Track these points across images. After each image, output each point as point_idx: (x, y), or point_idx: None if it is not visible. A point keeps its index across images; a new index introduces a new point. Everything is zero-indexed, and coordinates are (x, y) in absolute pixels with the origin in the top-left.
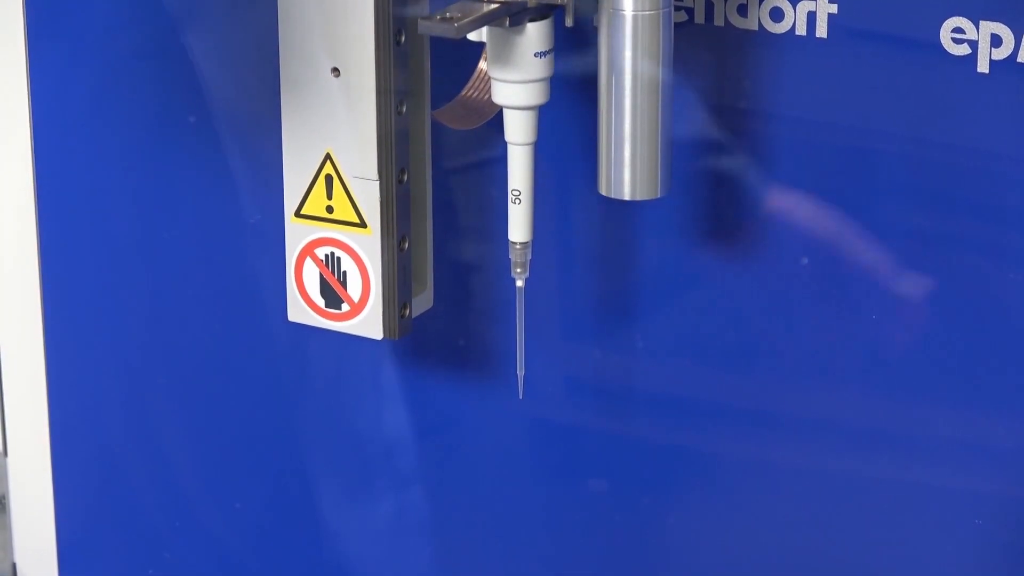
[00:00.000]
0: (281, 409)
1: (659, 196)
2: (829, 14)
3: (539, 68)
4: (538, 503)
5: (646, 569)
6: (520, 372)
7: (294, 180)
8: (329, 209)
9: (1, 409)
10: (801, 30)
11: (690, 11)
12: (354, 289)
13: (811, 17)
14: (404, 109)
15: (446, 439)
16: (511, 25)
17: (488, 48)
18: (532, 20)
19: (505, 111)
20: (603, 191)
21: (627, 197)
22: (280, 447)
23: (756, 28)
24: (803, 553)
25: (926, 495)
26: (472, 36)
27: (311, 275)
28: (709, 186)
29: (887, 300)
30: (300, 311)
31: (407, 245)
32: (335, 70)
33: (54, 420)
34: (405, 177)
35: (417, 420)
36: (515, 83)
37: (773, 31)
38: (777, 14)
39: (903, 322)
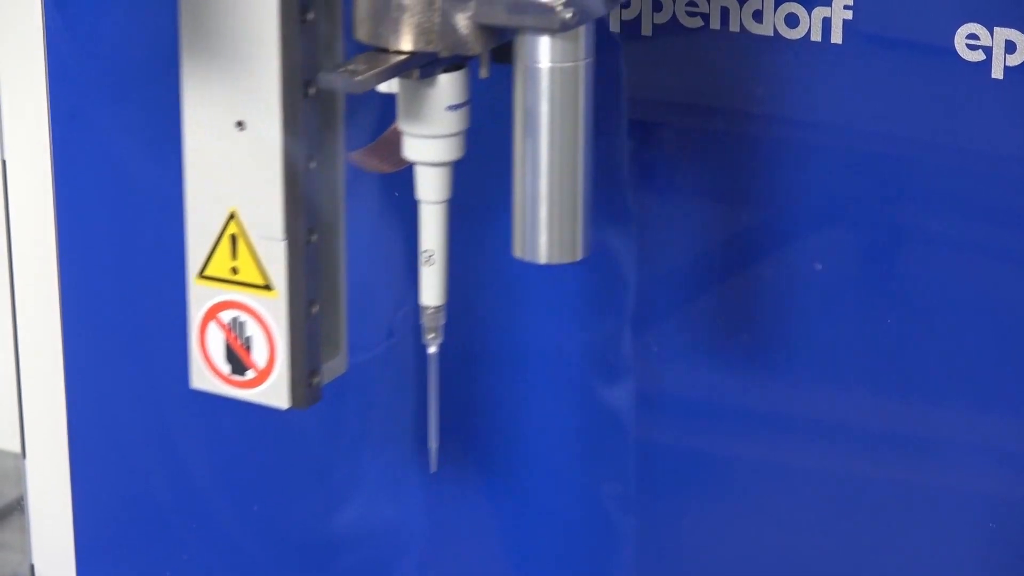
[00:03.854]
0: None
1: (577, 259)
2: (844, 20)
3: (452, 122)
4: (556, 504)
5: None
6: (432, 445)
7: (197, 239)
8: (234, 271)
9: (19, 410)
10: (816, 36)
11: (706, 17)
12: (260, 355)
13: (826, 23)
14: (314, 164)
15: None
16: (421, 77)
17: (398, 101)
18: (445, 71)
19: (416, 167)
20: (517, 253)
21: (543, 261)
22: (299, 449)
23: (771, 34)
24: (820, 555)
25: (940, 497)
26: (383, 88)
27: (215, 340)
28: (723, 190)
29: (903, 303)
30: (203, 378)
31: (316, 309)
32: (239, 123)
33: (72, 421)
34: (314, 237)
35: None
36: (426, 138)
37: (788, 37)
38: (792, 20)
39: (920, 324)
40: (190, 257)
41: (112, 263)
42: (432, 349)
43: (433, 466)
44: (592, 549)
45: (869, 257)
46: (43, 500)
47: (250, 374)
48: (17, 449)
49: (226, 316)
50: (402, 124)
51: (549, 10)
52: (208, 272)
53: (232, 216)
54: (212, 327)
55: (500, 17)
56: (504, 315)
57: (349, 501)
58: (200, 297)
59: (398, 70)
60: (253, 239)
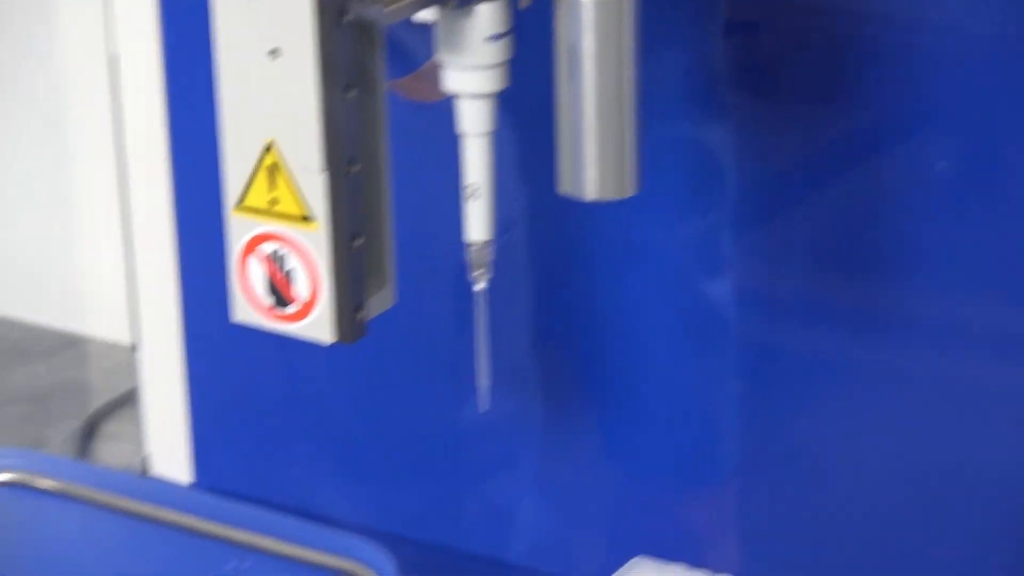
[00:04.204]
0: (411, 306)
1: (627, 196)
2: None
3: (492, 53)
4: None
5: (780, 478)
6: (483, 382)
7: (235, 170)
8: (273, 202)
9: (133, 302)
10: None
11: None
12: (302, 288)
13: None
14: (353, 93)
15: None
16: (459, 6)
17: (437, 31)
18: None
19: (459, 100)
20: (563, 189)
21: (590, 197)
22: (422, 341)
23: None
24: (933, 460)
25: None
26: (421, 16)
27: (256, 273)
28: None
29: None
30: (245, 311)
31: (359, 241)
32: (273, 51)
33: (186, 312)
34: (355, 168)
35: None
36: (467, 69)
37: None
38: None
39: None
40: (228, 188)
41: None
42: (480, 285)
43: (483, 406)
44: (696, 451)
45: (984, 159)
46: (157, 392)
47: (292, 308)
48: (131, 341)
49: (266, 248)
50: (442, 55)
51: None
52: (247, 203)
53: (269, 147)
54: (252, 260)
55: None
56: (602, 214)
57: (470, 399)
58: (239, 229)
59: (430, 0)
60: (292, 170)
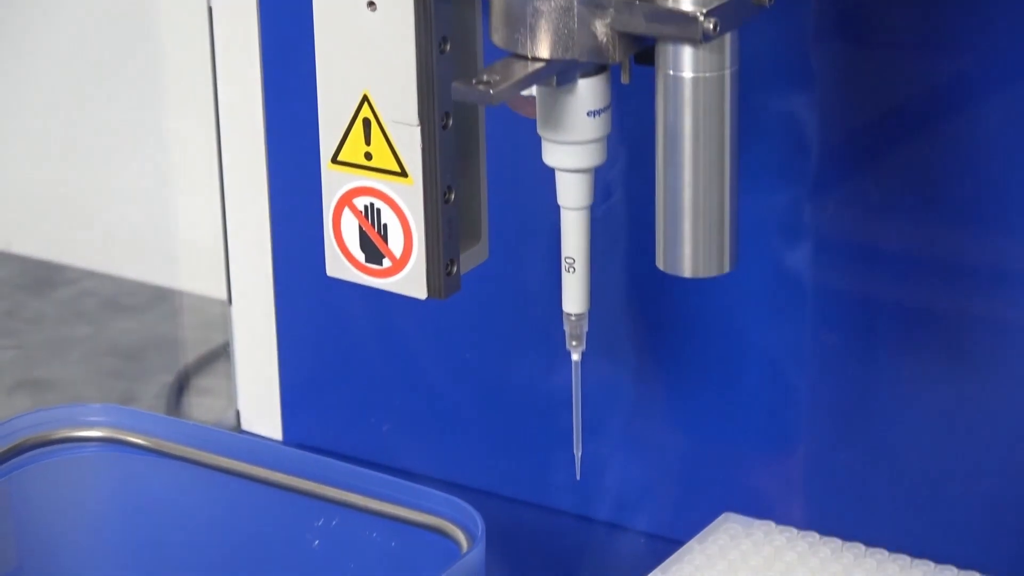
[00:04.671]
0: (505, 265)
1: (724, 272)
2: None
3: (593, 128)
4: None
5: (876, 424)
6: (577, 452)
7: (330, 123)
8: (368, 156)
9: (225, 257)
10: None
11: None
12: (396, 243)
13: None
14: (448, 47)
15: None
16: (559, 84)
17: (537, 106)
18: (584, 75)
19: (557, 173)
20: (660, 266)
21: (687, 275)
22: (506, 305)
23: None
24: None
25: None
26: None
27: (350, 227)
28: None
29: None
30: (339, 266)
31: (453, 196)
32: (371, 3)
33: (278, 267)
34: (450, 122)
35: None
36: (566, 144)
37: None
38: None
39: None
40: (323, 141)
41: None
42: (575, 357)
43: (578, 474)
44: (781, 410)
45: None
46: (249, 346)
47: (386, 263)
48: (223, 296)
49: (360, 203)
50: (541, 129)
51: (691, 20)
52: (342, 157)
53: (365, 99)
54: (346, 214)
55: (639, 26)
56: None
57: (560, 362)
58: (334, 183)
59: (535, 79)
60: (387, 124)
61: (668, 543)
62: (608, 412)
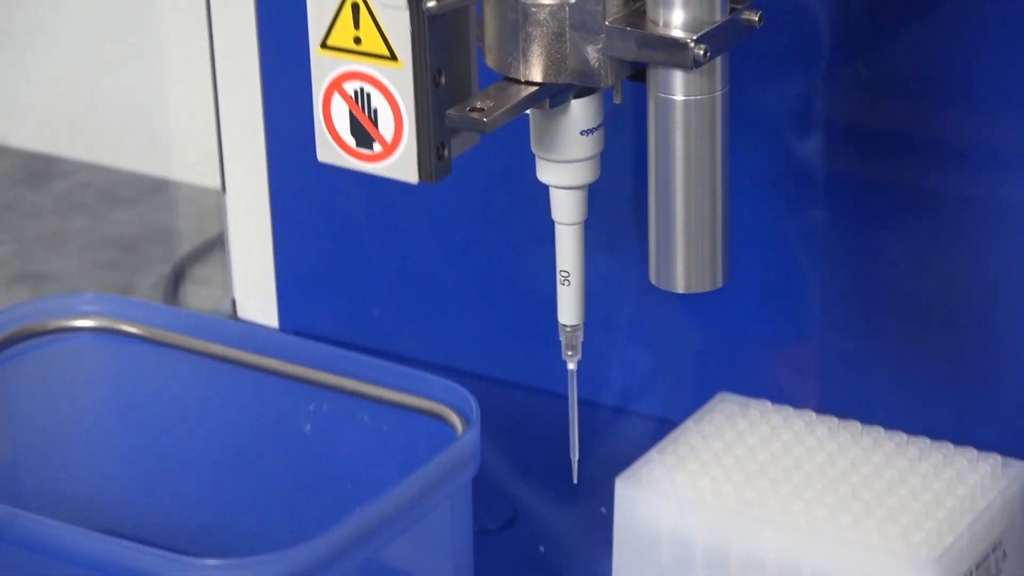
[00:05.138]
0: (497, 149)
1: (717, 287)
2: None
3: (586, 146)
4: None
5: (874, 307)
6: (574, 456)
7: (318, 8)
8: (357, 40)
9: (219, 146)
10: None
11: None
12: (386, 128)
13: None
14: None
15: None
16: (552, 106)
17: (531, 126)
18: (577, 96)
19: (552, 190)
20: (653, 281)
21: (679, 291)
22: (498, 189)
23: None
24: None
25: None
26: None
27: (340, 112)
28: None
29: None
30: (329, 151)
31: (443, 79)
32: None
33: (271, 156)
34: (440, 5)
35: None
36: (560, 163)
37: None
38: None
39: None
40: (312, 26)
41: None
42: (571, 366)
43: (575, 478)
44: (778, 292)
45: None
46: (244, 235)
47: (377, 147)
48: (217, 185)
49: (350, 87)
50: (535, 147)
51: (682, 46)
52: (331, 42)
53: None
54: (336, 99)
55: (630, 52)
56: None
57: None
58: (323, 68)
59: (528, 103)
60: (375, 7)
61: (668, 425)
62: (609, 300)
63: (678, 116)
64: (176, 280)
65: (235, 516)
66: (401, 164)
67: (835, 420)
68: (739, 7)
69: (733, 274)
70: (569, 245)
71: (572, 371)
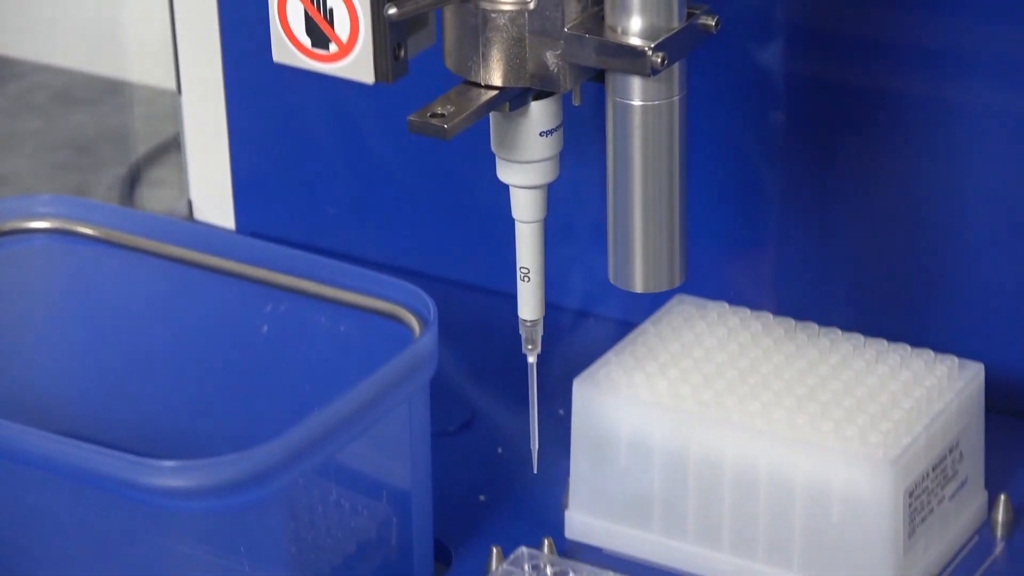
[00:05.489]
0: None
1: (674, 287)
2: None
3: (545, 147)
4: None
5: (831, 208)
6: (534, 446)
7: None
8: None
9: (174, 47)
10: None
11: None
12: (342, 28)
13: None
14: None
15: None
16: (512, 109)
17: (491, 127)
18: (536, 98)
19: (512, 189)
20: (612, 280)
21: (638, 290)
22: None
23: None
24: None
25: None
26: None
27: (295, 12)
28: None
29: None
30: (285, 51)
31: None
32: None
33: (227, 57)
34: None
35: None
36: (520, 163)
37: None
38: None
39: None
40: None
41: None
42: (531, 359)
43: (535, 468)
44: (735, 195)
45: None
46: (199, 137)
47: (333, 47)
48: (173, 86)
49: None
50: (495, 148)
51: (639, 54)
52: None
53: None
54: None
55: (589, 59)
56: None
57: None
58: None
59: (488, 107)
60: None
61: (628, 327)
62: (571, 205)
63: (636, 121)
64: (132, 182)
65: (192, 418)
66: (357, 64)
67: (792, 322)
68: (696, 12)
69: (692, 177)
70: (529, 242)
71: (532, 364)
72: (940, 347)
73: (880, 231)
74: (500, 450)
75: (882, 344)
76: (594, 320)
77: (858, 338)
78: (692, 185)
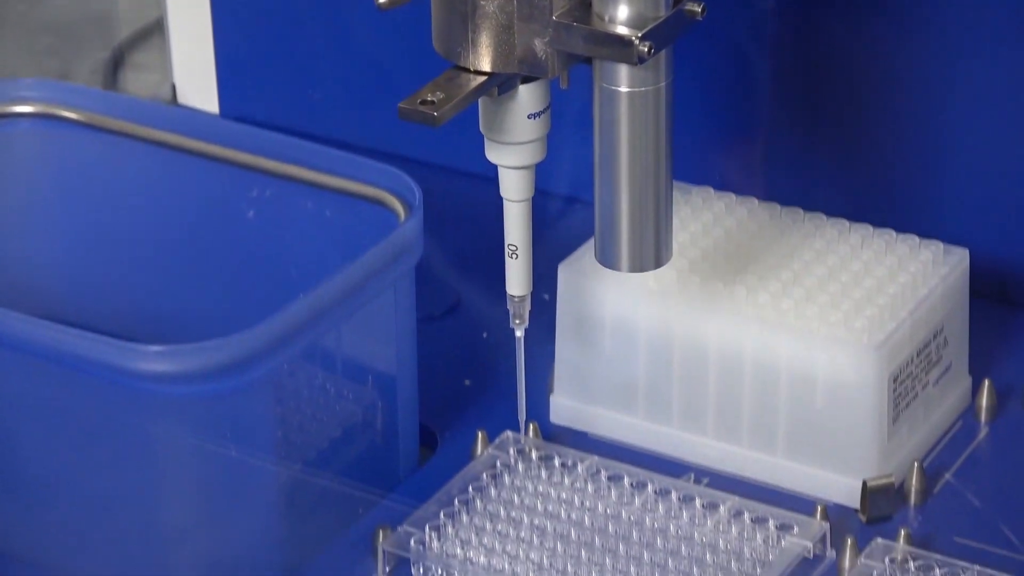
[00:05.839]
0: None
1: (660, 267)
2: None
3: (533, 129)
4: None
5: (810, 90)
6: (522, 417)
7: None
8: None
9: None
10: None
11: None
12: None
13: None
14: None
15: None
16: (500, 94)
17: (480, 109)
18: (524, 82)
19: (500, 169)
20: (598, 259)
21: (624, 271)
22: None
23: None
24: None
25: None
26: None
27: None
28: None
29: None
30: None
31: None
32: None
33: None
34: None
35: None
36: (508, 144)
37: None
38: None
39: None
40: None
41: None
42: (519, 334)
43: (522, 431)
44: (724, 84)
45: None
46: (183, 20)
47: None
48: None
49: None
50: (484, 129)
51: (627, 43)
52: None
53: None
54: None
55: (576, 46)
56: None
57: None
58: None
59: (477, 93)
60: None
61: None
62: (565, 95)
63: (623, 107)
64: (115, 66)
65: (178, 302)
66: None
67: (777, 207)
68: None
69: (679, 64)
70: (517, 220)
71: (520, 338)
72: (925, 233)
73: (866, 117)
74: (485, 335)
75: (867, 229)
76: (581, 206)
77: (843, 223)
78: (680, 70)
